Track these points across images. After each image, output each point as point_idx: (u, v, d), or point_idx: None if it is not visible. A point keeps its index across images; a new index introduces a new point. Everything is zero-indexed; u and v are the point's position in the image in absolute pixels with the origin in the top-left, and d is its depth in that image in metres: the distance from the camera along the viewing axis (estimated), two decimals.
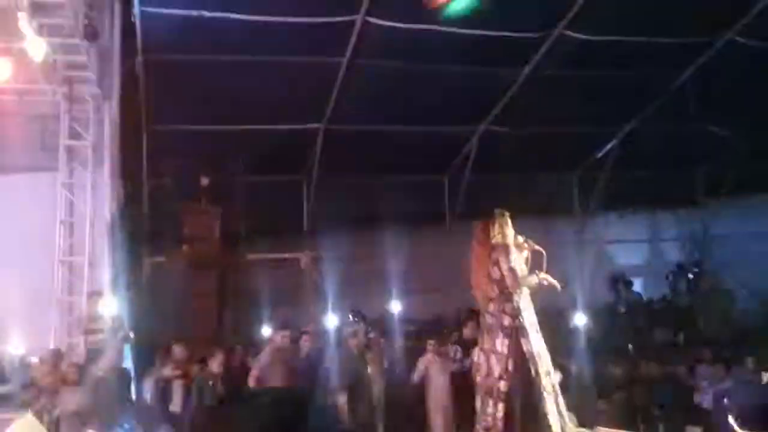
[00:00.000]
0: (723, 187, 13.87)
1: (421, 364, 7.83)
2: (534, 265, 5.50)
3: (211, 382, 6.87)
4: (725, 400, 7.59)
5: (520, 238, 5.45)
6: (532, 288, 5.38)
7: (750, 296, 13.30)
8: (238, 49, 9.49)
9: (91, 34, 8.01)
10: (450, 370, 7.88)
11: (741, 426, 4.22)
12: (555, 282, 5.47)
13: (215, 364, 6.93)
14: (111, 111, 8.87)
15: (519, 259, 5.38)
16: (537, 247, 5.48)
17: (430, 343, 7.96)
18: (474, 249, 5.49)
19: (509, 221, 5.49)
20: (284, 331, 7.49)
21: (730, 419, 4.54)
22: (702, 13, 9.71)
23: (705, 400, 8.48)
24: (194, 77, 9.78)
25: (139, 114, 10.19)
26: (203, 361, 7.53)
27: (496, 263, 5.27)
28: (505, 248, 5.28)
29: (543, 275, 5.42)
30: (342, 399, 7.06)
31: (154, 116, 10.58)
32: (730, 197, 13.98)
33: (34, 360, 8.00)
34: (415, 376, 7.80)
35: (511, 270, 5.22)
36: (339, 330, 9.45)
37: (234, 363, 8.15)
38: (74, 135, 9.19)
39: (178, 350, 8.01)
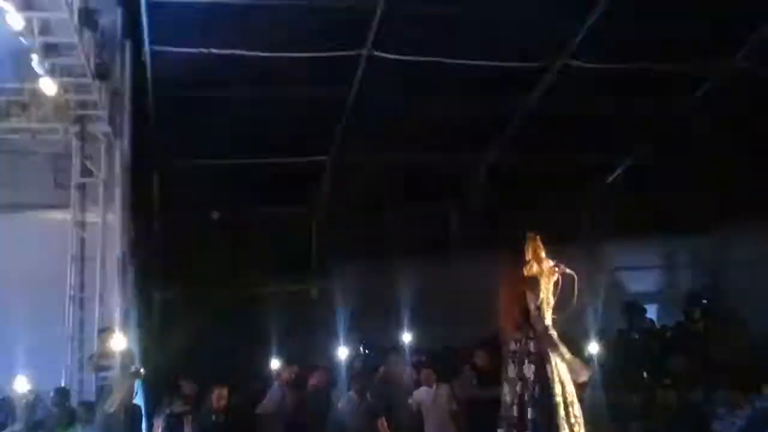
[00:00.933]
0: (736, 212, 13.78)
1: (415, 396, 7.72)
2: (565, 288, 5.40)
3: (213, 417, 6.79)
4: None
5: (551, 262, 5.39)
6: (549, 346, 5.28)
7: (765, 322, 13.12)
8: (247, 84, 9.62)
9: (103, 73, 8.15)
10: (444, 403, 7.74)
11: None
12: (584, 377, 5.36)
13: (215, 399, 6.84)
14: (122, 148, 8.97)
15: (547, 290, 5.30)
16: (568, 271, 5.37)
17: (424, 374, 7.86)
18: (508, 271, 5.42)
19: (542, 244, 5.42)
20: (292, 367, 7.44)
21: None
22: (708, 40, 9.78)
23: (723, 427, 8.32)
24: (204, 113, 9.91)
25: (150, 151, 10.31)
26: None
27: (524, 295, 5.23)
28: (535, 282, 5.22)
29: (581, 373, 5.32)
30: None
31: (165, 152, 10.71)
32: (743, 222, 13.88)
33: (43, 397, 7.98)
34: (413, 407, 7.69)
35: (538, 309, 5.17)
36: (350, 362, 9.39)
37: (248, 399, 8.09)
38: (86, 173, 9.28)
39: (187, 386, 7.98)
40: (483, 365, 7.91)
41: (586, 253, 13.90)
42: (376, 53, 9.30)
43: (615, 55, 9.84)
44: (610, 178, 13.25)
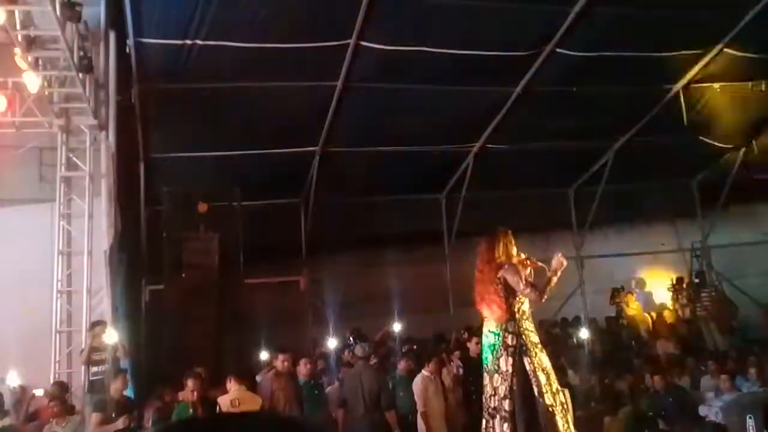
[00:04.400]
0: (720, 197, 13.91)
1: (418, 389, 7.69)
2: (536, 281, 5.47)
3: (191, 410, 6.74)
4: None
5: (523, 255, 5.45)
6: (549, 288, 5.27)
7: (751, 305, 13.28)
8: (233, 75, 9.56)
9: (86, 66, 8.08)
10: (444, 392, 7.81)
11: None
12: (564, 262, 5.35)
13: (189, 390, 6.78)
14: (107, 141, 8.91)
15: (524, 276, 5.35)
16: (540, 264, 5.45)
17: (432, 363, 7.89)
18: (479, 267, 5.46)
19: (512, 239, 5.49)
20: (283, 355, 7.41)
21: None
22: (691, 27, 9.83)
23: (710, 411, 8.42)
24: (190, 105, 9.84)
25: (135, 143, 10.24)
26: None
27: (503, 281, 5.24)
28: (512, 266, 5.26)
29: (557, 260, 5.30)
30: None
31: (151, 144, 10.65)
32: (727, 207, 14.02)
33: (38, 392, 7.97)
34: (419, 403, 7.66)
35: (525, 284, 5.19)
36: (338, 352, 9.41)
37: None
38: (71, 166, 9.23)
39: (189, 377, 7.87)
40: (475, 353, 7.92)
41: (573, 240, 14.01)
42: (362, 43, 9.27)
43: (600, 44, 9.87)
44: (596, 167, 13.30)
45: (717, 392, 8.72)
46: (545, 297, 5.21)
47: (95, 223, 8.89)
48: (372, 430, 7.45)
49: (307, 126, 11.02)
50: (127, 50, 8.95)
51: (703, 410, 8.45)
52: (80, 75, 8.14)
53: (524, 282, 5.15)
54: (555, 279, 5.21)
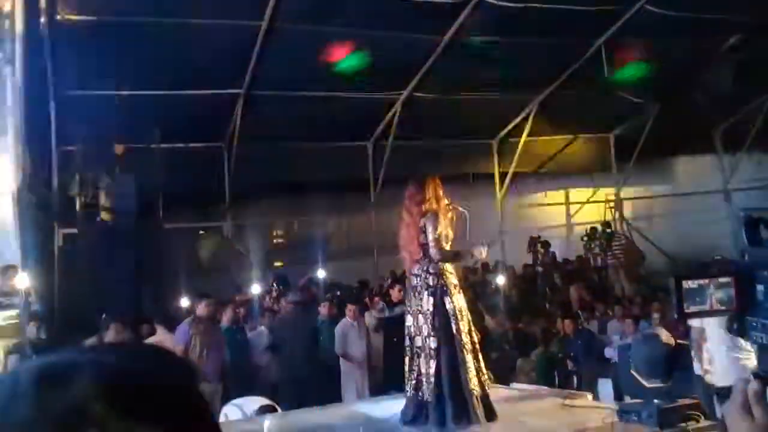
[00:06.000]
0: (634, 150, 14.51)
1: (339, 333, 7.90)
2: (458, 226, 5.62)
3: None
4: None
5: (446, 201, 5.56)
6: (456, 262, 5.51)
7: (657, 255, 14.09)
8: (152, 10, 9.10)
9: None
10: (366, 337, 8.02)
11: (642, 377, 4.59)
12: (484, 255, 5.63)
13: (114, 334, 6.66)
14: (14, 75, 8.35)
15: (446, 225, 5.47)
16: (461, 209, 5.63)
17: (350, 309, 8.06)
18: (405, 211, 5.56)
19: (440, 185, 5.60)
20: (206, 300, 7.34)
21: (632, 371, 4.87)
22: None
23: (614, 353, 8.94)
24: (106, 39, 9.30)
25: (45, 78, 9.66)
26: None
27: (424, 229, 5.36)
28: (434, 216, 5.37)
29: (479, 250, 5.56)
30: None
31: (63, 81, 10.06)
32: (640, 161, 14.65)
33: None
34: (338, 348, 7.86)
35: (436, 240, 5.32)
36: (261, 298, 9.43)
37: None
38: None
39: (112, 322, 7.68)
40: (397, 299, 8.12)
41: (495, 189, 14.37)
42: None
43: None
44: (518, 118, 13.56)
45: (622, 336, 9.25)
46: (443, 263, 5.35)
47: (1, 163, 8.40)
48: (312, 373, 7.59)
49: (231, 67, 10.67)
50: None
51: (608, 352, 8.98)
52: None
53: (436, 238, 5.30)
54: (463, 261, 5.44)
